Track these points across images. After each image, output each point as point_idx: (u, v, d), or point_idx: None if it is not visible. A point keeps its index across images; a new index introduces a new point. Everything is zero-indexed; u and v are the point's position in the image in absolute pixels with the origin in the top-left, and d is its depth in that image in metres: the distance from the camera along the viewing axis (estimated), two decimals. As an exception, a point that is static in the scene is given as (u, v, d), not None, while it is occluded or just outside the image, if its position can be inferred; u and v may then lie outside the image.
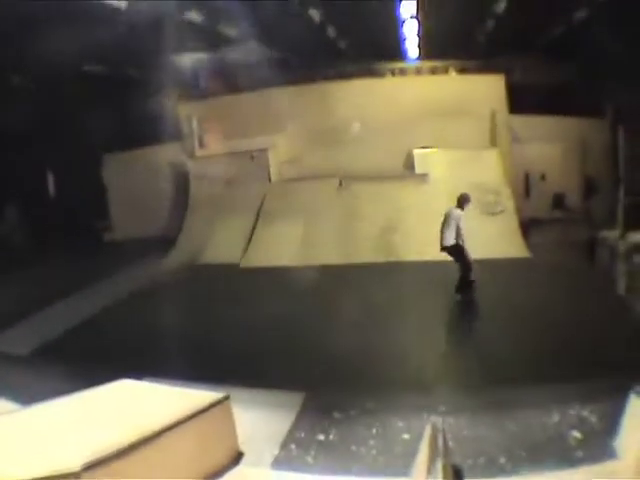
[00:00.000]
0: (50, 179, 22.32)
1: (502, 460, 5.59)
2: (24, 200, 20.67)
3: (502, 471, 5.43)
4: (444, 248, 13.58)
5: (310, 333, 11.02)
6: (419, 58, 22.15)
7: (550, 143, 19.19)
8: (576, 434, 5.89)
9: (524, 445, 5.81)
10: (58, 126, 18.58)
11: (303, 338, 10.78)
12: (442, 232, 13.59)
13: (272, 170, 20.30)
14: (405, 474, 5.52)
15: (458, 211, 13.69)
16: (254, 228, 18.50)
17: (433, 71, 21.30)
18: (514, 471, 5.38)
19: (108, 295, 15.29)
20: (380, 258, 15.37)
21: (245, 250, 17.90)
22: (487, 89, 19.32)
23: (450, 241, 13.47)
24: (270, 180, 20.15)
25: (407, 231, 16.38)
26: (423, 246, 15.46)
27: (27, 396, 7.90)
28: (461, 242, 13.46)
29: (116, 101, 20.47)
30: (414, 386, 7.67)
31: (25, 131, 17.77)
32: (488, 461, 5.61)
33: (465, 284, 13.40)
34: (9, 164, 18.23)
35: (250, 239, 18.21)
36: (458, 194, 13.85)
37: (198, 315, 12.97)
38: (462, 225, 13.54)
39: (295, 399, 7.70)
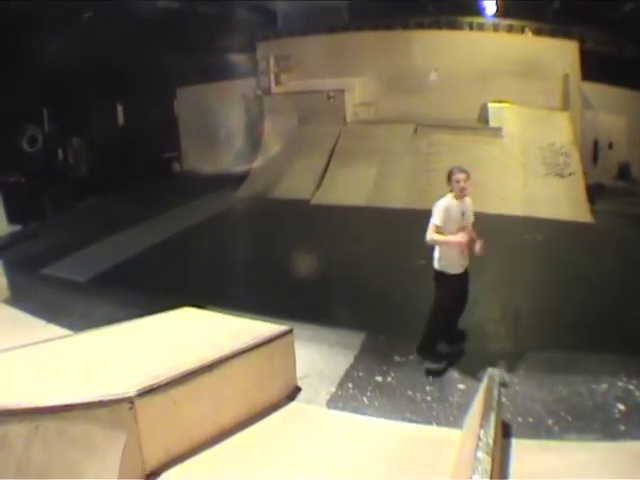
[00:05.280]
0: (119, 110, 21.93)
1: (549, 422, 5.60)
2: (92, 130, 20.24)
3: (549, 434, 5.43)
4: None
5: (376, 274, 10.66)
6: (496, 15, 21.47)
7: (617, 114, 18.51)
8: (620, 406, 5.84)
9: (571, 410, 5.79)
10: (130, 59, 18.15)
11: (369, 279, 10.43)
12: None
13: (347, 111, 19.92)
14: (457, 425, 5.62)
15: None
16: (327, 167, 18.22)
17: (509, 29, 20.68)
18: (560, 436, 5.37)
19: (174, 225, 14.94)
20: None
21: (317, 187, 17.68)
22: (561, 53, 18.56)
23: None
24: (345, 121, 19.77)
25: (479, 183, 16.02)
26: (494, 199, 15.22)
27: (82, 323, 8.24)
28: (436, 264, 6.84)
29: (191, 36, 20.31)
30: (474, 338, 7.56)
31: (95, 63, 17.31)
32: (536, 421, 5.64)
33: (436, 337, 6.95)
34: (78, 95, 18.02)
35: (322, 177, 17.97)
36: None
37: (264, 247, 12.73)
38: (435, 220, 6.61)
39: (356, 339, 7.72)
